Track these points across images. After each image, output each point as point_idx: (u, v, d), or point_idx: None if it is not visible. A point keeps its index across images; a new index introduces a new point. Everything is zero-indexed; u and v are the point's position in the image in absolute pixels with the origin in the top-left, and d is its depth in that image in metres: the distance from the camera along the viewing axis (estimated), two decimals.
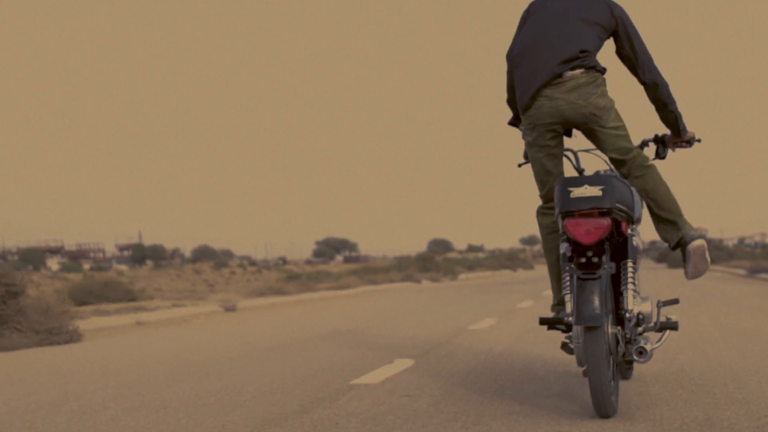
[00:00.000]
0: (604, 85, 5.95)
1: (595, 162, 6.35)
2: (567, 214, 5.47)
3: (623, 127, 5.98)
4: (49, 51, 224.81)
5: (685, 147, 6.43)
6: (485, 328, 12.58)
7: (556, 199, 5.56)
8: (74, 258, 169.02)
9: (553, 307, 6.08)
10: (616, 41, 6.14)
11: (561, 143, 6.08)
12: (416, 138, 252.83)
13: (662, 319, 5.85)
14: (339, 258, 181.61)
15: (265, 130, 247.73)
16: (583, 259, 5.42)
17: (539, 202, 6.20)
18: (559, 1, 6.09)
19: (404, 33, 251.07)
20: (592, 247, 5.41)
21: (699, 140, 6.43)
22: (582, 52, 5.89)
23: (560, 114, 5.88)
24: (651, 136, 6.45)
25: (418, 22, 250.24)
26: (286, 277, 57.08)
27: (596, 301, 5.26)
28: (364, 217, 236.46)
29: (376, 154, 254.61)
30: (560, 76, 5.86)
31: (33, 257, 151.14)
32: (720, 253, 56.00)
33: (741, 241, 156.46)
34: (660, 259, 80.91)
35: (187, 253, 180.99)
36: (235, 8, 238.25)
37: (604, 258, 5.42)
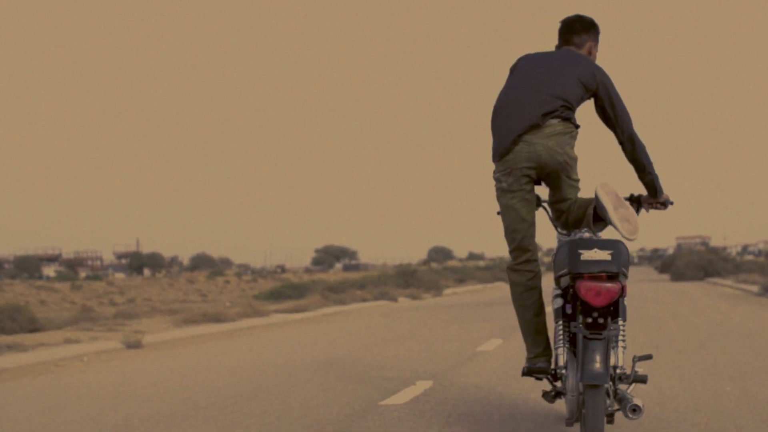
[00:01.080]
0: (576, 139, 6.31)
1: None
2: (578, 276, 5.67)
3: (579, 182, 6.38)
4: (45, 58, 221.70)
5: (659, 208, 6.65)
6: (402, 403, 8.55)
7: (563, 258, 5.78)
8: (71, 266, 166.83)
9: (529, 360, 6.27)
10: (596, 102, 6.44)
11: (533, 190, 6.34)
12: (417, 145, 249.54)
13: (635, 372, 5.94)
14: (338, 266, 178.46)
15: (266, 137, 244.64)
16: (590, 320, 5.66)
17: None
18: (547, 59, 6.45)
19: (403, 39, 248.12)
20: (600, 309, 5.67)
21: (672, 203, 6.65)
22: (563, 106, 6.23)
23: (537, 158, 6.20)
24: (627, 194, 6.60)
25: (418, 28, 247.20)
26: (269, 291, 53.50)
27: (600, 361, 5.54)
28: (365, 225, 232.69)
29: (377, 161, 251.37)
30: (540, 125, 6.19)
31: (28, 265, 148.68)
32: (726, 265, 51.81)
33: (745, 248, 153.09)
34: (663, 269, 76.44)
35: (186, 261, 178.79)
36: (230, 17, 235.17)
37: (609, 320, 5.69)
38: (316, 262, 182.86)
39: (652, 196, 6.56)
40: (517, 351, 13.12)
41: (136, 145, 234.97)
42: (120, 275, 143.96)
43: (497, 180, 6.31)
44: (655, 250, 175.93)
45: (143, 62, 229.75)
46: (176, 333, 18.79)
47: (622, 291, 5.69)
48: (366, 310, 28.33)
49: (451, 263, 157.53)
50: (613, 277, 5.64)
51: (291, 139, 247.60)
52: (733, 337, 14.78)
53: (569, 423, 6.07)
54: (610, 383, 5.78)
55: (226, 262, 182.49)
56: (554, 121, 6.19)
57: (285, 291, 43.83)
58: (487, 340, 15.22)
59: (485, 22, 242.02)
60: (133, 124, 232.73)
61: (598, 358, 5.56)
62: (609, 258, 5.63)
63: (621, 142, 6.45)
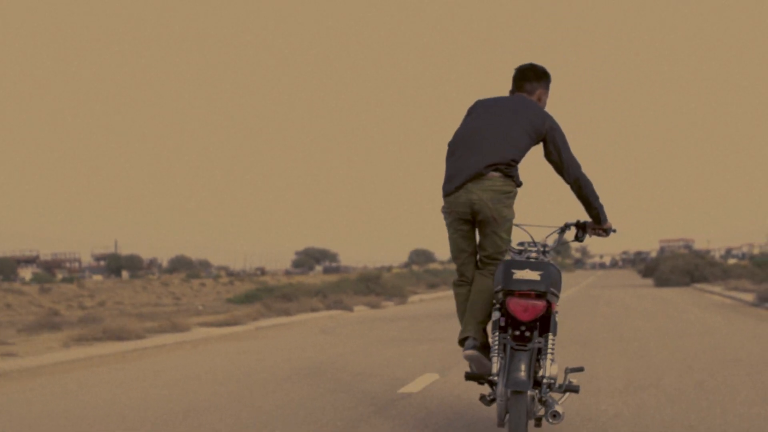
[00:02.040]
0: (514, 198, 6.81)
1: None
2: (508, 293, 6.25)
3: (508, 241, 6.83)
4: (20, 60, 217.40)
5: (602, 235, 7.16)
6: None
7: (499, 277, 6.34)
8: (49, 268, 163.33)
9: (460, 342, 6.81)
10: (544, 147, 6.88)
11: (473, 228, 6.89)
12: (399, 147, 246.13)
13: (567, 382, 6.48)
14: (319, 268, 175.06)
15: (248, 139, 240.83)
16: (518, 332, 6.25)
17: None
18: (502, 105, 6.89)
19: (384, 46, 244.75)
20: (527, 324, 6.26)
21: (614, 230, 7.16)
22: (508, 163, 6.71)
23: (471, 205, 6.73)
24: (573, 220, 7.13)
25: (397, 36, 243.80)
26: (243, 294, 50.09)
27: (524, 370, 6.11)
28: (346, 227, 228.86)
29: (358, 163, 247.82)
30: (483, 175, 6.68)
31: (4, 267, 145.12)
32: (713, 269, 48.23)
33: (728, 251, 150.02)
34: (646, 273, 72.76)
35: (165, 263, 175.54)
36: (209, 20, 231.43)
37: (535, 333, 6.26)
38: (296, 264, 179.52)
39: (597, 224, 7.12)
40: (451, 393, 9.60)
41: (116, 147, 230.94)
42: (98, 277, 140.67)
43: (443, 214, 6.91)
44: (638, 253, 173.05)
45: (119, 64, 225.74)
46: (57, 356, 15.16)
47: (549, 308, 6.32)
48: (310, 322, 24.70)
49: (432, 266, 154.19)
50: (540, 295, 6.24)
51: (272, 141, 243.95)
52: (740, 371, 11.21)
53: (499, 425, 6.46)
54: (537, 391, 6.31)
55: (205, 265, 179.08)
56: (497, 174, 6.70)
57: (260, 294, 40.36)
58: (420, 373, 11.62)
59: (462, 32, 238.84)
60: (114, 126, 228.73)
61: (522, 367, 6.14)
62: (538, 278, 6.23)
63: (568, 184, 6.95)
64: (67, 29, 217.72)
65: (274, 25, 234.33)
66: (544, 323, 6.32)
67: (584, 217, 7.15)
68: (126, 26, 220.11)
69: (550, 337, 6.29)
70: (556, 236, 7.09)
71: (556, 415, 6.20)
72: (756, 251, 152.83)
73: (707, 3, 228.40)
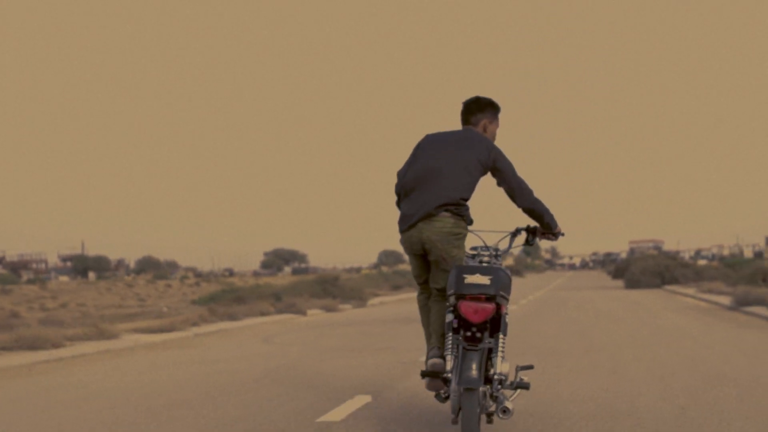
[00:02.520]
0: (464, 238, 7.10)
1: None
2: (460, 296, 6.56)
3: None
4: None
5: (551, 239, 7.48)
6: None
7: (451, 281, 6.64)
8: (15, 269, 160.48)
9: (426, 353, 7.13)
10: (494, 175, 7.18)
11: (427, 260, 7.21)
12: (368, 148, 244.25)
13: (518, 379, 6.78)
14: (288, 269, 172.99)
15: (216, 140, 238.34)
16: (469, 333, 6.55)
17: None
18: (449, 141, 7.17)
19: (354, 48, 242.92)
20: (478, 325, 6.55)
21: (563, 234, 7.45)
22: (460, 199, 7.03)
23: (422, 243, 7.08)
24: (524, 225, 7.45)
25: (366, 39, 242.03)
26: (209, 295, 48.18)
27: (475, 369, 6.40)
28: (316, 228, 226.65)
29: (328, 164, 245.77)
30: (434, 215, 7.00)
31: None
32: (685, 271, 46.49)
33: (698, 252, 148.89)
34: (616, 274, 71.05)
35: (132, 264, 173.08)
36: (181, 22, 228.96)
37: (485, 334, 6.58)
38: (264, 265, 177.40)
39: (548, 231, 7.45)
40: (379, 423, 7.76)
41: (84, 147, 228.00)
42: (64, 278, 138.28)
43: (401, 244, 7.27)
44: (608, 254, 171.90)
45: (86, 65, 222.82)
46: None
47: (498, 310, 6.61)
48: (255, 328, 22.76)
49: (401, 267, 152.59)
50: (490, 298, 6.54)
51: (242, 141, 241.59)
52: (728, 393, 9.41)
53: (454, 421, 6.62)
54: (488, 387, 6.66)
55: (173, 266, 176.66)
56: (447, 214, 7.04)
57: (225, 296, 38.40)
58: (351, 395, 9.74)
59: (427, 36, 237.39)
60: (81, 126, 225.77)
61: (473, 366, 6.42)
62: (488, 282, 6.54)
63: (521, 208, 7.28)
64: (38, 27, 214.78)
65: (246, 32, 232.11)
66: (495, 324, 6.66)
67: (534, 222, 7.43)
68: (99, 25, 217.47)
69: (501, 337, 6.64)
70: (507, 241, 7.47)
71: (506, 411, 6.47)
72: (725, 252, 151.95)
73: (678, 5, 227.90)
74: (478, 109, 7.34)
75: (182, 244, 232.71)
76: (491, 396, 6.61)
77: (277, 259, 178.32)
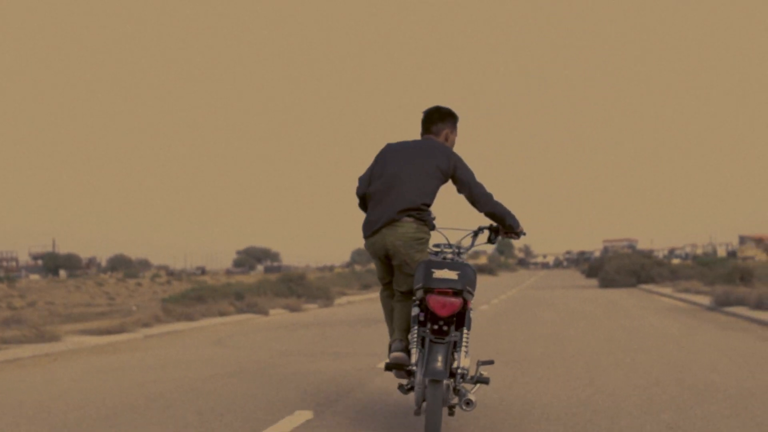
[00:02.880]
0: (427, 243, 7.24)
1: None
2: (428, 290, 6.67)
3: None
4: None
5: (513, 238, 7.63)
6: None
7: (419, 275, 6.76)
8: None
9: (389, 344, 7.27)
10: (454, 184, 7.35)
11: (390, 263, 7.35)
12: (341, 147, 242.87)
13: (478, 374, 6.94)
14: (260, 268, 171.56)
15: (189, 139, 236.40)
16: (436, 327, 6.67)
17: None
18: (410, 150, 7.31)
19: (322, 46, 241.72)
20: (445, 319, 6.67)
21: (525, 233, 7.58)
22: (419, 208, 7.17)
23: (385, 249, 7.21)
24: (487, 224, 7.55)
25: (336, 38, 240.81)
26: (179, 294, 46.84)
27: (441, 361, 6.52)
28: (288, 227, 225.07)
29: (301, 163, 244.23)
30: (397, 221, 7.15)
31: None
32: (661, 270, 45.39)
33: (671, 251, 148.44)
34: (590, 273, 69.98)
35: (104, 262, 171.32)
36: (154, 23, 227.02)
37: (452, 328, 6.69)
38: (237, 263, 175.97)
39: (510, 231, 7.57)
40: None
41: (56, 145, 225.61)
42: (35, 277, 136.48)
43: (366, 248, 7.43)
44: (582, 253, 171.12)
45: (59, 62, 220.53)
46: None
47: (465, 305, 6.74)
48: (211, 329, 21.44)
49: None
50: (457, 293, 6.67)
51: (215, 140, 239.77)
52: (720, 406, 8.24)
53: (417, 412, 6.74)
54: (452, 380, 6.72)
55: (145, 264, 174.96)
56: (409, 219, 7.18)
57: (195, 294, 37.02)
58: (291, 410, 8.48)
59: (400, 34, 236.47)
60: (53, 124, 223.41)
61: (439, 358, 6.54)
62: (456, 277, 6.65)
63: (481, 212, 7.43)
64: (18, 24, 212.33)
65: (222, 38, 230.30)
66: (460, 319, 6.77)
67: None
68: (75, 23, 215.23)
69: (465, 331, 6.73)
70: (470, 239, 7.53)
71: (469, 403, 6.56)
72: (699, 251, 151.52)
73: (659, 3, 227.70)
74: (440, 119, 7.49)
75: (155, 243, 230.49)
76: (454, 389, 6.71)
77: (250, 258, 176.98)
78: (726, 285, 30.45)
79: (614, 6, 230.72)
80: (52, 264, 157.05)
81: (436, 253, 7.15)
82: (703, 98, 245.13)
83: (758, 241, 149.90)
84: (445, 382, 6.56)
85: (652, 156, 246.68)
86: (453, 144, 7.55)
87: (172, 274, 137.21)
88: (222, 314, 25.00)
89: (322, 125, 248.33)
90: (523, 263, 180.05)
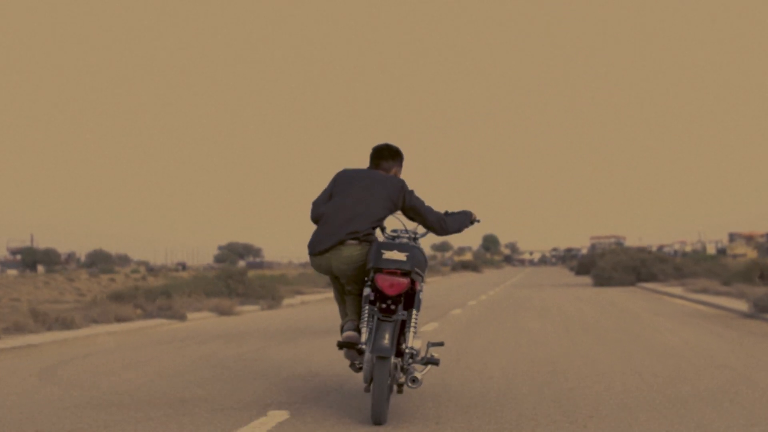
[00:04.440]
0: None
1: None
2: (377, 270, 6.88)
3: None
4: None
5: (468, 226, 7.80)
6: None
7: (371, 256, 7.00)
8: None
9: (341, 326, 7.42)
10: (405, 213, 7.54)
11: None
12: (323, 143, 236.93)
13: (428, 355, 7.06)
14: (242, 263, 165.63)
15: (171, 133, 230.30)
16: (384, 305, 6.83)
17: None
18: (364, 178, 7.46)
19: (308, 43, 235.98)
20: (393, 298, 6.84)
21: (479, 221, 7.87)
22: (367, 232, 7.27)
23: (330, 270, 7.38)
24: (443, 210, 7.69)
25: (321, 35, 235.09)
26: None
27: (388, 339, 6.67)
28: (271, 223, 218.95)
29: (283, 159, 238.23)
30: (342, 243, 7.25)
31: None
32: (664, 266, 39.39)
33: (660, 249, 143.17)
34: (581, 270, 64.12)
35: (83, 258, 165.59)
36: (139, 21, 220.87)
37: (400, 307, 6.85)
38: (218, 259, 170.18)
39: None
40: None
41: (36, 138, 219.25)
42: (12, 272, 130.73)
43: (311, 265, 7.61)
44: (569, 250, 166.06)
45: (44, 59, 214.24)
46: None
47: (413, 285, 6.92)
48: (79, 343, 15.42)
49: None
50: (406, 273, 6.87)
51: (198, 135, 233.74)
52: None
53: (366, 389, 6.90)
54: (399, 359, 6.88)
55: (124, 259, 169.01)
56: (354, 242, 7.25)
57: (132, 293, 31.33)
58: None
59: (389, 33, 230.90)
60: (32, 117, 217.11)
61: (387, 336, 6.67)
62: (405, 259, 6.88)
63: (441, 236, 7.70)
64: (9, 21, 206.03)
65: (206, 34, 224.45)
66: (409, 299, 7.00)
67: (454, 208, 7.77)
68: (63, 21, 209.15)
69: (414, 312, 6.97)
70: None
71: (415, 380, 6.78)
72: (688, 249, 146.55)
73: (644, 6, 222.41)
74: (390, 156, 7.68)
75: (136, 238, 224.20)
76: (402, 368, 6.90)
77: (231, 254, 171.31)
78: (744, 284, 24.98)
79: (605, 5, 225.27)
80: (30, 259, 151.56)
81: (393, 238, 7.42)
82: (693, 95, 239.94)
83: (748, 239, 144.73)
84: (393, 360, 6.71)
85: (640, 152, 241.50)
86: None
87: (151, 269, 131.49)
88: (120, 320, 19.09)
89: (308, 120, 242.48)
90: (509, 260, 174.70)
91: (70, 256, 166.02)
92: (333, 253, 7.24)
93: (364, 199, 7.31)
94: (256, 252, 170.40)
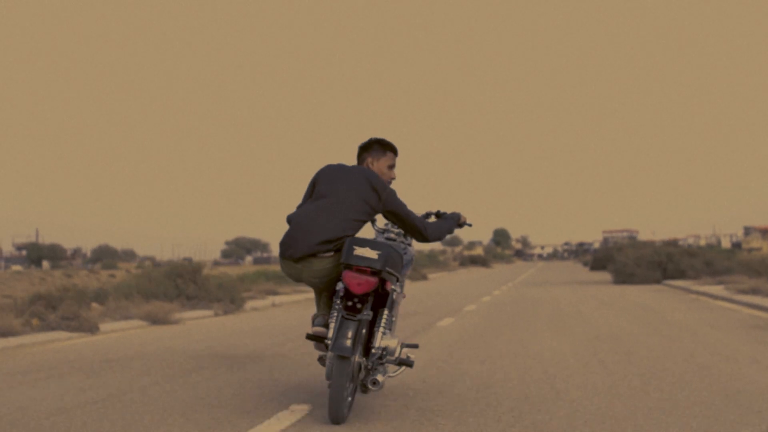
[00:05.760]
0: None
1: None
2: (347, 266, 6.42)
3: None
4: None
5: (458, 227, 7.49)
6: None
7: (343, 251, 6.47)
8: None
9: (314, 316, 6.89)
10: (386, 217, 7.04)
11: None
12: (330, 137, 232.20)
13: (403, 356, 6.67)
14: (249, 259, 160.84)
15: (178, 127, 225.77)
16: (350, 303, 6.41)
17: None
18: (344, 175, 6.85)
19: (311, 38, 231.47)
20: (359, 296, 6.41)
21: (470, 225, 7.58)
22: (343, 236, 6.67)
23: (300, 280, 6.81)
24: (434, 210, 7.53)
25: (322, 30, 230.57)
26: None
27: (349, 338, 6.23)
28: (279, 218, 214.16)
29: (289, 152, 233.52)
30: (314, 255, 6.63)
31: None
32: (693, 261, 34.17)
33: (674, 243, 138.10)
34: (596, 265, 58.94)
35: (89, 253, 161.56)
36: (142, 19, 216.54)
37: (366, 306, 6.42)
38: (225, 254, 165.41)
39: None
40: None
41: (42, 133, 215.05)
42: (17, 267, 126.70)
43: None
44: (581, 244, 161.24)
45: (46, 54, 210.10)
46: None
47: (383, 285, 6.53)
48: None
49: None
50: (376, 272, 6.38)
51: (204, 129, 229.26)
52: None
53: (329, 386, 6.34)
54: (365, 358, 6.51)
55: (130, 254, 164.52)
56: (328, 254, 6.65)
57: (103, 292, 26.58)
58: None
59: (392, 28, 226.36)
60: (39, 111, 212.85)
61: (349, 334, 6.23)
62: (375, 257, 6.37)
63: (423, 243, 7.28)
64: (12, 18, 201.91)
65: (207, 29, 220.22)
66: (381, 299, 6.61)
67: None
68: (64, 19, 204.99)
69: (385, 312, 6.56)
70: None
71: (375, 382, 6.46)
72: (702, 243, 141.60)
73: (655, 1, 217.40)
74: (373, 149, 7.16)
75: (142, 233, 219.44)
76: (367, 368, 6.54)
77: (239, 249, 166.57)
78: None
79: (615, 0, 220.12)
80: (35, 254, 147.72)
81: (383, 232, 7.34)
82: (705, 87, 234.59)
83: (764, 232, 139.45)
84: (358, 359, 6.40)
85: (652, 145, 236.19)
86: (381, 172, 7.11)
87: (158, 265, 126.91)
88: (4, 335, 14.15)
89: (318, 114, 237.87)
90: (520, 254, 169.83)
91: (77, 252, 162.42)
92: (304, 264, 6.69)
93: (341, 201, 6.73)
94: (264, 247, 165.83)
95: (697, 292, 24.94)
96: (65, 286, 22.08)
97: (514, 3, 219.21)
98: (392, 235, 7.25)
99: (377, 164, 7.10)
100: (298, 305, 24.62)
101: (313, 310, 21.93)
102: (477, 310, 19.12)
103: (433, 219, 7.50)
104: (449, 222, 7.33)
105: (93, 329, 15.70)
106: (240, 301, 22.28)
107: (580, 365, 9.44)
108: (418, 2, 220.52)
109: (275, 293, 28.05)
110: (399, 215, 6.94)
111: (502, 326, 14.70)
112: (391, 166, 7.14)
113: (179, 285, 21.68)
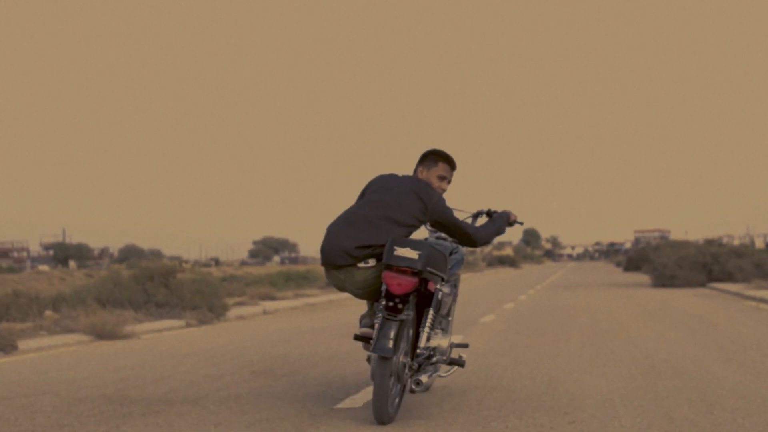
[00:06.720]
0: None
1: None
2: (388, 267, 6.27)
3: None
4: None
5: (509, 226, 7.35)
6: None
7: (384, 251, 6.34)
8: None
9: (362, 317, 6.80)
10: (434, 226, 6.88)
11: None
12: (358, 136, 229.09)
13: (454, 356, 6.78)
14: (276, 259, 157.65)
15: (205, 127, 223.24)
16: (391, 304, 6.25)
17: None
18: (390, 187, 6.73)
19: (340, 37, 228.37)
20: (400, 297, 6.24)
21: (521, 223, 7.45)
22: (383, 244, 6.47)
23: (344, 289, 6.68)
24: (485, 209, 7.43)
25: (353, 34, 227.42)
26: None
27: (391, 338, 6.06)
28: (307, 217, 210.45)
29: (318, 152, 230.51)
30: (354, 265, 6.51)
31: None
32: (741, 262, 30.38)
33: (717, 242, 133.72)
34: (629, 265, 55.26)
35: (116, 253, 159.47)
36: (162, 20, 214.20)
37: (407, 307, 6.26)
38: (253, 254, 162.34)
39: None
40: None
41: (70, 134, 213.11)
42: (44, 267, 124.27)
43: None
44: (612, 244, 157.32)
45: (68, 54, 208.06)
46: None
47: (425, 285, 6.39)
48: None
49: None
50: (417, 273, 6.22)
51: (232, 129, 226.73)
52: None
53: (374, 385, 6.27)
54: (409, 359, 6.33)
55: (157, 254, 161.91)
56: (371, 263, 6.51)
57: (61, 297, 23.30)
58: None
59: (418, 30, 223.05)
60: (66, 112, 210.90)
61: (390, 335, 6.09)
62: (416, 257, 6.20)
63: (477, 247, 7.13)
64: (23, 19, 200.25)
65: (231, 27, 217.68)
66: (428, 300, 6.53)
67: (495, 204, 7.46)
68: (80, 19, 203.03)
69: (430, 312, 6.48)
70: (470, 221, 7.41)
71: (418, 383, 6.28)
72: (736, 242, 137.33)
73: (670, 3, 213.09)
74: (430, 160, 7.02)
75: (170, 233, 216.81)
76: (414, 369, 6.44)
77: (266, 248, 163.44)
78: None
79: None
80: (62, 254, 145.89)
81: (434, 231, 7.22)
82: (736, 85, 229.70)
83: None
84: (402, 360, 6.28)
85: (683, 144, 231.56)
86: (441, 190, 6.99)
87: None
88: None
89: (348, 113, 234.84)
90: (550, 255, 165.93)
91: (104, 252, 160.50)
92: (346, 274, 6.57)
93: (384, 208, 6.60)
94: (292, 247, 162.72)
95: (754, 298, 21.26)
96: (17, 292, 18.79)
97: (554, 4, 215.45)
98: (443, 235, 7.19)
99: (427, 174, 7.00)
100: (293, 312, 21.20)
101: (309, 317, 18.62)
102: (493, 324, 15.54)
103: (484, 218, 7.46)
104: (498, 223, 7.20)
105: (8, 348, 12.34)
106: (221, 308, 18.85)
107: (637, 429, 5.94)
108: (455, 6, 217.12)
109: (272, 298, 24.58)
110: (445, 224, 6.83)
111: (522, 352, 11.10)
112: (442, 177, 6.98)
113: (148, 290, 18.28)
